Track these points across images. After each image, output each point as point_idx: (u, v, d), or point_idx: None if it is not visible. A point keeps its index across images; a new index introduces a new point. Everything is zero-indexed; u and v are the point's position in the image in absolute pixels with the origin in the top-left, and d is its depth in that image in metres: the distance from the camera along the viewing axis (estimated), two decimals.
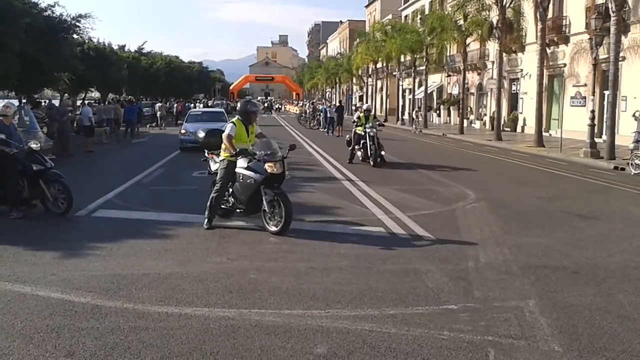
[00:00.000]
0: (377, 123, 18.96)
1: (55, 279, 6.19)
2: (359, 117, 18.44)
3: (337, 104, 35.32)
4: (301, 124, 40.95)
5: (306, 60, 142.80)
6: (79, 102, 41.69)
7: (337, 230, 8.72)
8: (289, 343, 4.60)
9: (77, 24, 31.60)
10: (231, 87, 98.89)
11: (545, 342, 4.72)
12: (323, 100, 69.87)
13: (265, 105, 77.04)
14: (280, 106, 79.47)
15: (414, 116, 38.64)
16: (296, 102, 79.88)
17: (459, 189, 12.90)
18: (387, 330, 4.91)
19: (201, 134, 11.45)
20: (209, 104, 49.18)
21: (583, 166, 18.74)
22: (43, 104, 32.77)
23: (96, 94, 52.64)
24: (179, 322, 5.02)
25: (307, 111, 43.36)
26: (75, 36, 32.15)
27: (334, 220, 9.48)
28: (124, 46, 58.28)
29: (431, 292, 5.92)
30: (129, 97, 47.63)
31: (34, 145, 9.73)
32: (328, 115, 33.62)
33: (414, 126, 37.26)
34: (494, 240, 8.22)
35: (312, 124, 38.25)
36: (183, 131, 21.54)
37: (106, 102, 36.76)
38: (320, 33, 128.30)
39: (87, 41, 42.68)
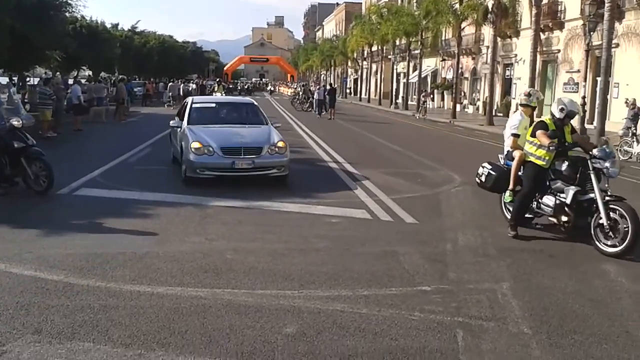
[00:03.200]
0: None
1: (30, 257, 6.15)
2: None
3: (329, 86, 35.12)
4: (294, 106, 40.75)
5: (302, 42, 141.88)
6: (70, 81, 41.36)
7: (319, 212, 8.70)
8: (259, 322, 4.60)
9: (69, 1, 31.29)
10: (225, 68, 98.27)
11: (515, 324, 4.74)
12: (312, 83, 69.43)
13: (247, 87, 76.13)
14: (273, 88, 78.93)
15: (422, 100, 37.49)
16: (290, 84, 79.48)
17: (446, 172, 12.89)
18: (358, 310, 4.91)
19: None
20: (203, 84, 48.54)
21: None
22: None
23: (89, 73, 52.23)
24: (150, 301, 5.00)
25: (300, 93, 43.16)
26: (67, 14, 31.79)
27: (317, 202, 9.45)
28: (117, 25, 57.77)
29: (406, 274, 5.93)
30: (121, 76, 47.25)
31: (15, 122, 9.58)
32: (316, 97, 33.71)
33: (419, 112, 35.92)
34: (475, 224, 8.22)
35: (304, 106, 38.06)
36: (196, 145, 10.34)
37: (97, 81, 36.46)
38: (316, 15, 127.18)
39: (79, 19, 42.29)
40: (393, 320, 4.72)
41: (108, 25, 53.58)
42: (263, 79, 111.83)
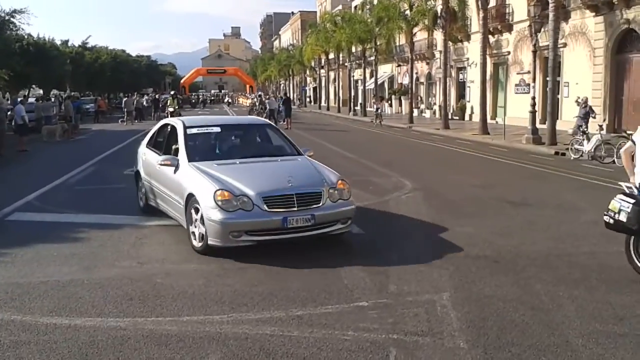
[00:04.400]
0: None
1: None
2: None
3: (283, 96, 34.96)
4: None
5: (259, 52, 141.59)
6: (19, 100, 40.14)
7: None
8: (179, 354, 4.28)
9: (12, 19, 30.38)
10: (182, 81, 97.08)
11: (452, 338, 4.55)
12: (270, 93, 69.16)
13: (201, 99, 75.47)
14: (231, 99, 78.23)
15: (376, 107, 36.45)
16: (248, 95, 79.02)
17: (397, 178, 12.76)
18: (289, 333, 4.64)
19: None
20: (156, 98, 47.55)
21: (524, 152, 18.92)
22: None
23: (40, 91, 50.88)
24: (65, 335, 4.64)
25: (257, 104, 42.84)
26: (10, 32, 30.86)
27: None
28: (67, 41, 56.52)
29: (345, 289, 5.69)
30: (73, 93, 46.12)
31: None
32: (268, 107, 33.83)
33: (375, 119, 34.23)
34: (422, 232, 8.07)
35: (262, 117, 37.74)
36: (223, 195, 6.84)
37: (46, 99, 35.42)
38: (272, 24, 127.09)
39: (26, 37, 41.18)
40: (324, 342, 4.46)
41: (58, 42, 52.42)
42: (222, 91, 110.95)
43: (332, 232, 7.25)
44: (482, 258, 6.72)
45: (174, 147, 8.33)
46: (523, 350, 4.31)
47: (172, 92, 35.72)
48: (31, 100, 37.36)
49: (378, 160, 16.33)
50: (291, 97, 57.67)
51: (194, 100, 72.68)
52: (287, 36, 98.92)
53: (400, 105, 46.75)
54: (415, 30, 34.46)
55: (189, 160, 7.72)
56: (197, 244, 7.04)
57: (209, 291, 5.65)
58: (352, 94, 51.15)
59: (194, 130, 8.48)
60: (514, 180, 12.91)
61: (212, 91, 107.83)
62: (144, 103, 44.05)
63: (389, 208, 9.77)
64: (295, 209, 6.85)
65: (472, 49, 34.28)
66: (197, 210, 6.97)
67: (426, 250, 7.07)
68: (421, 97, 44.00)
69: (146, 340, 4.53)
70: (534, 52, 21.20)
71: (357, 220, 8.52)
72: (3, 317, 5.01)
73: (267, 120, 10.24)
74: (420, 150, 20.45)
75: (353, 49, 47.31)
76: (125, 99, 41.12)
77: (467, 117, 35.93)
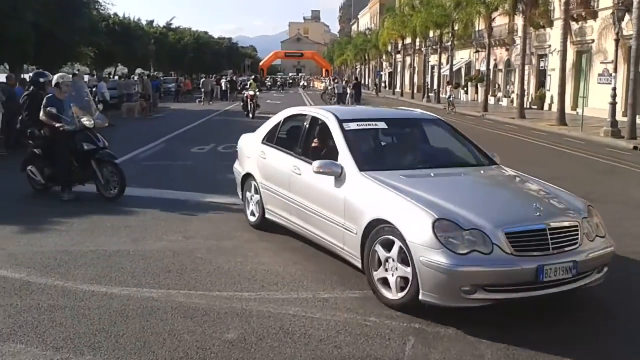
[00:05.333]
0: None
1: (1, 254, 6.13)
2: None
3: (355, 80, 34.86)
4: (323, 100, 40.57)
5: (338, 35, 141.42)
6: (103, 77, 42.14)
7: None
8: (202, 327, 4.42)
9: None
10: (260, 64, 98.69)
11: (475, 331, 4.42)
12: (330, 78, 68.84)
13: (279, 82, 75.41)
14: (306, 82, 78.59)
15: (449, 94, 35.48)
16: (323, 79, 79.31)
17: None
18: (311, 314, 4.68)
19: None
20: (233, 79, 48.46)
21: (601, 145, 18.01)
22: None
23: (125, 70, 53.22)
24: (100, 302, 4.88)
25: (329, 87, 43.01)
26: (95, 11, 32.39)
27: None
28: (152, 21, 58.82)
29: None
30: (155, 72, 47.90)
31: (86, 122, 8.84)
32: (337, 92, 33.94)
33: (448, 106, 33.23)
34: None
35: (333, 100, 37.83)
36: (447, 228, 4.56)
37: (128, 78, 36.94)
38: (352, 8, 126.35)
39: (112, 16, 43.07)
40: (344, 326, 4.47)
41: (143, 22, 54.54)
42: (299, 74, 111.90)
43: (586, 286, 4.89)
44: None
45: (313, 145, 6.47)
46: (546, 348, 4.15)
47: (252, 75, 33.47)
48: (115, 78, 39.16)
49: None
50: (366, 82, 57.41)
51: (269, 83, 73.32)
52: (365, 20, 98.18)
53: (477, 92, 45.49)
54: (494, 15, 33.33)
55: (360, 169, 5.52)
56: (392, 295, 4.85)
57: (243, 269, 5.77)
58: (427, 79, 50.24)
59: (353, 126, 6.16)
60: (582, 173, 12.34)
61: (290, 74, 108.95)
62: (222, 85, 45.03)
63: None
64: (550, 253, 4.62)
65: (554, 35, 32.73)
66: (389, 246, 4.86)
67: None
68: (499, 85, 42.63)
69: (174, 312, 4.70)
70: (616, 40, 20.04)
71: None
72: (47, 282, 5.33)
73: (434, 115, 7.48)
74: (489, 140, 19.79)
75: (430, 34, 46.34)
76: (202, 80, 42.26)
77: (546, 107, 34.50)
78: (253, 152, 7.39)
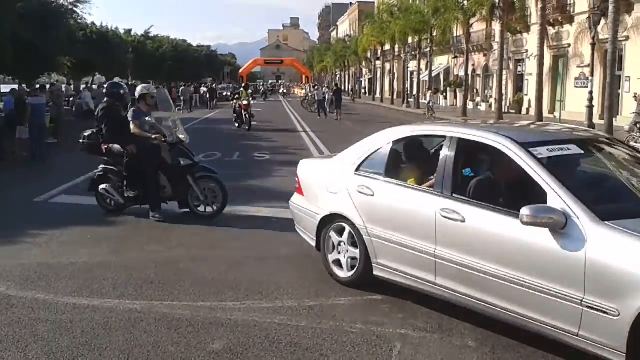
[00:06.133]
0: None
1: None
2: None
3: (335, 87, 34.98)
4: (304, 107, 40.60)
5: (317, 42, 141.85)
6: (82, 87, 41.72)
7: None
8: (186, 338, 4.37)
9: (74, 9, 31.56)
10: (240, 71, 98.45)
11: (461, 336, 4.46)
12: (310, 85, 68.60)
13: (262, 90, 74.07)
14: (286, 90, 78.04)
15: (428, 99, 35.57)
16: (303, 86, 79.37)
17: None
18: (297, 323, 4.66)
19: None
20: (213, 87, 48.21)
21: None
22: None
23: (103, 79, 52.77)
24: (82, 315, 4.81)
25: (309, 95, 43.00)
26: (73, 21, 32.08)
27: None
28: (130, 30, 58.38)
29: None
30: (134, 82, 47.53)
31: (182, 135, 8.45)
32: (316, 98, 33.90)
33: (427, 112, 33.38)
34: None
35: (313, 107, 37.85)
36: None
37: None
38: (331, 15, 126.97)
39: (89, 25, 42.70)
40: (331, 334, 4.46)
41: (121, 31, 54.18)
42: (279, 81, 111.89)
43: None
44: None
45: (478, 180, 4.73)
46: (532, 352, 4.18)
47: (244, 84, 29.46)
48: (94, 87, 38.82)
49: None
50: (346, 89, 57.62)
51: (261, 91, 72.34)
52: (345, 27, 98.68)
53: (456, 97, 45.90)
54: (472, 21, 33.70)
55: (600, 217, 3.85)
56: None
57: (227, 278, 5.74)
58: (407, 85, 50.59)
59: (544, 152, 4.46)
60: None
61: (270, 81, 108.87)
62: (202, 92, 44.86)
63: None
64: None
65: (531, 40, 33.19)
66: None
67: None
68: (477, 90, 43.07)
69: (158, 323, 4.65)
70: (593, 45, 20.39)
71: None
72: (27, 296, 5.24)
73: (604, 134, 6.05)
74: None
75: (409, 40, 46.70)
76: (182, 88, 42.03)
77: (524, 111, 34.92)
78: (341, 186, 5.51)
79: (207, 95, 44.27)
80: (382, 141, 5.60)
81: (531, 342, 4.31)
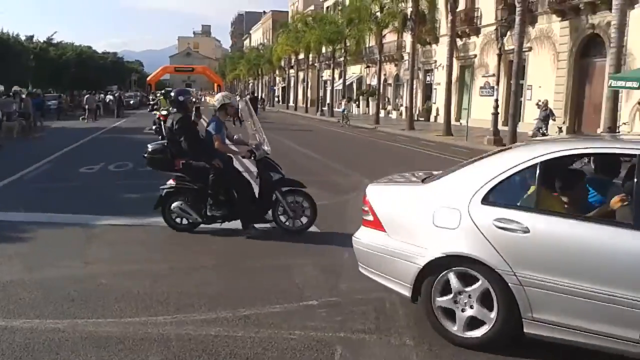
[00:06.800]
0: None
1: None
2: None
3: (250, 95, 34.77)
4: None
5: (230, 51, 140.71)
6: None
7: (216, 226, 8.23)
8: (118, 356, 4.13)
9: None
10: (148, 79, 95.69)
11: (398, 335, 4.51)
12: (226, 93, 67.89)
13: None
14: (195, 99, 76.29)
15: (343, 108, 35.94)
16: (214, 94, 78.41)
17: (358, 178, 12.72)
18: (234, 333, 4.53)
19: None
20: (120, 96, 46.49)
21: (485, 153, 19.08)
22: None
23: (1, 87, 49.65)
24: (0, 337, 4.44)
25: None
26: None
27: None
28: (32, 37, 55.36)
29: (296, 288, 5.61)
30: (34, 90, 45.10)
31: (267, 147, 7.96)
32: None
33: (342, 120, 34.13)
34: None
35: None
36: None
37: (7, 95, 34.45)
38: (244, 23, 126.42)
39: None
40: (270, 342, 4.37)
41: (22, 38, 51.27)
42: (190, 89, 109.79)
43: None
44: None
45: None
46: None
47: (162, 91, 26.11)
48: None
49: (341, 160, 16.30)
50: (260, 97, 57.47)
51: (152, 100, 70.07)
52: (258, 35, 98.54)
53: (368, 106, 46.95)
54: (384, 32, 34.66)
55: None
56: None
57: (154, 292, 5.49)
58: (321, 94, 51.18)
59: None
60: None
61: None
62: (107, 101, 43.21)
63: (347, 207, 9.71)
64: None
65: (440, 51, 34.61)
66: None
67: None
68: (388, 99, 44.25)
69: (84, 342, 4.37)
70: (499, 55, 21.50)
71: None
72: None
73: None
74: (384, 150, 20.52)
75: (323, 50, 47.34)
76: (87, 96, 40.28)
77: (432, 119, 36.27)
78: (463, 220, 4.29)
79: (114, 104, 42.67)
80: (518, 162, 4.30)
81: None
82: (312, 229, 7.94)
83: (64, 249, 7.03)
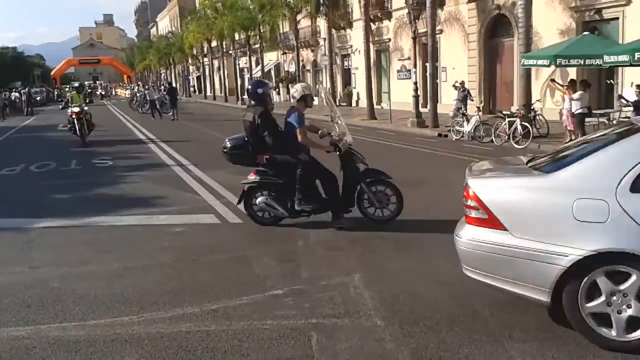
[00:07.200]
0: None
1: None
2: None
3: (167, 86, 33.94)
4: (133, 109, 38.75)
5: (136, 40, 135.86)
6: None
7: (163, 222, 8.13)
8: (92, 359, 4.04)
9: None
10: (52, 73, 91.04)
11: (368, 317, 4.65)
12: (140, 84, 65.47)
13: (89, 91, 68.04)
14: (104, 92, 72.77)
15: None
16: (127, 86, 75.63)
17: None
18: (206, 328, 4.52)
19: None
20: (30, 93, 43.96)
21: (411, 135, 19.69)
22: None
23: None
24: None
25: (138, 95, 41.09)
26: None
27: (160, 211, 8.86)
28: None
29: (257, 279, 5.64)
30: None
31: (349, 138, 7.63)
32: (148, 98, 32.73)
33: None
34: (325, 216, 8.13)
35: (145, 109, 36.25)
36: None
37: None
38: (148, 11, 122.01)
39: None
40: (244, 334, 4.40)
41: None
42: (97, 82, 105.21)
43: None
44: (385, 238, 6.92)
45: None
46: (436, 323, 4.49)
47: (76, 85, 23.88)
48: None
49: None
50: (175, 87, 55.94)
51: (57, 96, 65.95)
52: (165, 23, 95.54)
53: (288, 93, 46.89)
54: (299, 17, 34.67)
55: None
56: None
57: (113, 292, 5.36)
58: (239, 82, 50.58)
59: None
60: (405, 162, 13.42)
61: (86, 82, 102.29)
62: (14, 98, 40.77)
63: None
64: None
65: (355, 36, 35.04)
66: None
67: (330, 235, 7.16)
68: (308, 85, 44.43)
69: (53, 347, 4.23)
70: (414, 38, 22.07)
71: None
72: None
73: None
74: None
75: (237, 37, 46.72)
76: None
77: (354, 103, 36.78)
78: (616, 213, 3.83)
79: (22, 102, 40.34)
80: None
81: (434, 314, 4.64)
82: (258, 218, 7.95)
83: (5, 254, 6.70)
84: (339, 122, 7.91)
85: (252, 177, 7.61)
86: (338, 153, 7.58)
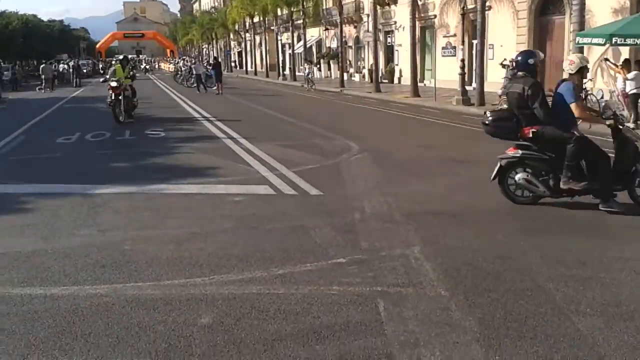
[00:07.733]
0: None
1: None
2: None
3: (213, 60, 34.21)
4: (178, 82, 39.30)
5: (179, 15, 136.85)
6: None
7: (220, 192, 8.34)
8: (170, 316, 4.25)
9: None
10: (98, 46, 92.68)
11: (432, 287, 4.74)
12: (185, 58, 66.06)
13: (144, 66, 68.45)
14: (148, 66, 73.69)
15: (309, 71, 35.30)
16: (170, 60, 76.48)
17: (342, 141, 12.88)
18: (275, 291, 4.70)
19: None
20: (78, 65, 44.98)
21: (456, 113, 19.50)
22: None
23: None
24: (45, 304, 4.49)
25: (183, 69, 41.57)
26: None
27: (217, 180, 9.09)
28: None
29: (319, 248, 5.78)
30: None
31: (625, 112, 7.35)
32: (194, 72, 32.98)
33: (307, 84, 33.97)
34: (378, 191, 8.23)
35: (189, 82, 36.71)
36: None
37: None
38: None
39: None
40: (312, 298, 4.55)
41: None
42: (140, 56, 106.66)
43: None
44: (441, 213, 6.97)
45: None
46: (501, 295, 4.56)
47: (119, 58, 22.01)
48: None
49: (319, 124, 16.37)
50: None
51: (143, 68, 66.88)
52: None
53: (330, 69, 46.76)
54: None
55: None
56: None
57: (182, 255, 5.59)
58: (280, 58, 50.64)
59: None
60: (452, 140, 13.35)
61: (130, 56, 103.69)
62: (62, 70, 41.78)
63: (341, 169, 9.89)
64: None
65: (400, 12, 34.64)
66: None
67: (387, 208, 7.25)
68: (350, 61, 44.17)
69: (131, 305, 4.46)
70: (462, 15, 21.72)
71: (312, 181, 8.66)
72: None
73: None
74: (358, 113, 20.67)
75: (279, 12, 46.67)
76: (42, 66, 38.83)
77: (396, 81, 36.48)
78: None
79: (69, 73, 41.31)
80: None
81: (498, 287, 4.71)
82: (315, 192, 8.10)
83: (74, 218, 6.99)
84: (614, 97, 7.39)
85: (511, 152, 7.18)
86: (615, 129, 6.93)
